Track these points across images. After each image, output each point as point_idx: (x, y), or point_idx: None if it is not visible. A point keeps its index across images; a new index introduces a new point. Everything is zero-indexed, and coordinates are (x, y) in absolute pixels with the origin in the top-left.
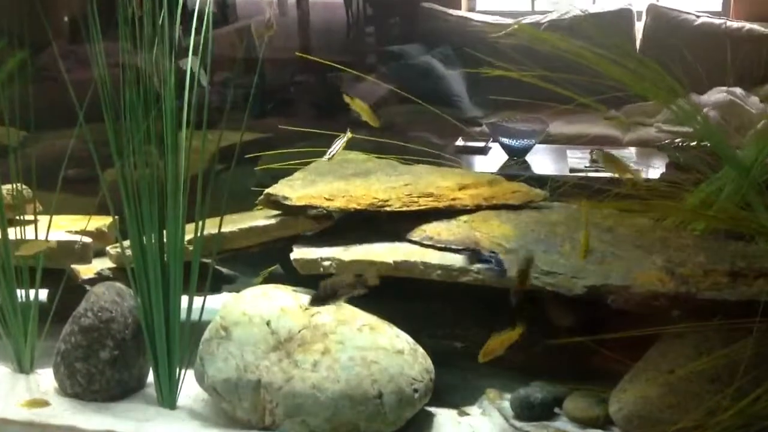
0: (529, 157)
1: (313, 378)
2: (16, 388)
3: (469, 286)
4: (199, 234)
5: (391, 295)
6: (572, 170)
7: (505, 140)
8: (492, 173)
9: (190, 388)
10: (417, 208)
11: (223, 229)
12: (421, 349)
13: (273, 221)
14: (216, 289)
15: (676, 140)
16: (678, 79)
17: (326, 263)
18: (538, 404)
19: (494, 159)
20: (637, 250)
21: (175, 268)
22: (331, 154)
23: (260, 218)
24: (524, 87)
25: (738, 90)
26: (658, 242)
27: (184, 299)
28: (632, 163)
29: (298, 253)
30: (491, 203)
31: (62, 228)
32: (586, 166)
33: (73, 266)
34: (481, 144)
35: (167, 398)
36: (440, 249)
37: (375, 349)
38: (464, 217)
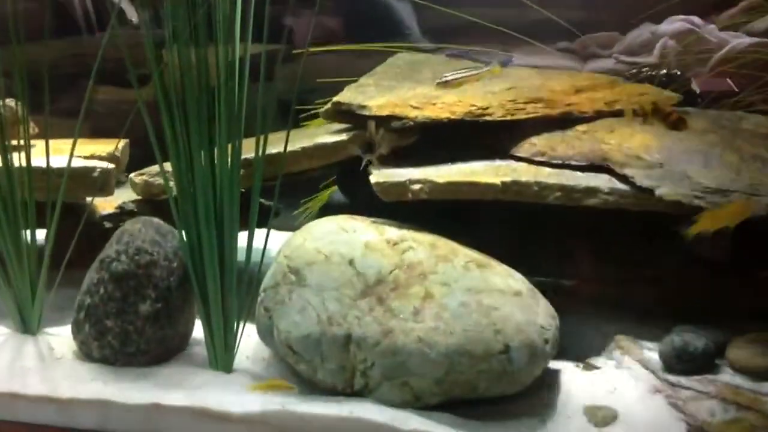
0: None
1: (417, 330)
2: (23, 353)
3: (579, 210)
4: (260, 152)
5: (470, 222)
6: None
7: None
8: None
9: (245, 346)
10: (524, 116)
11: (281, 149)
12: (537, 290)
13: (344, 137)
14: (263, 223)
15: (643, 69)
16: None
17: (416, 186)
18: (699, 354)
19: None
20: None
21: (231, 197)
22: (447, 79)
23: (323, 135)
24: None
25: (696, 18)
26: None
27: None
28: None
29: (380, 175)
30: (614, 108)
31: (64, 153)
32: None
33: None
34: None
35: (222, 359)
36: (556, 166)
37: (489, 291)
38: (582, 127)
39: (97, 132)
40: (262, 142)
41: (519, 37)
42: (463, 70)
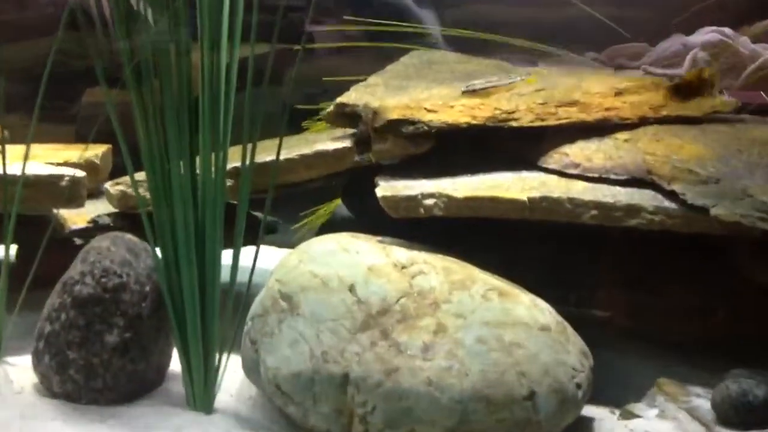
0: None
1: (427, 370)
2: None
3: (618, 231)
4: (247, 161)
5: (492, 241)
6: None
7: None
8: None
9: (229, 381)
10: (556, 122)
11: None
12: (567, 323)
13: (348, 143)
14: (254, 241)
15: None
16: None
17: (429, 202)
18: (760, 404)
19: None
20: None
21: (214, 211)
22: (476, 88)
23: (325, 141)
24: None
25: (727, 30)
26: None
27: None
28: None
29: (387, 188)
30: (660, 114)
31: (38, 159)
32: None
33: (57, 212)
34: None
35: (201, 398)
36: (592, 180)
37: (512, 324)
38: (623, 134)
39: (83, 137)
40: (249, 150)
41: (542, 48)
42: (494, 78)
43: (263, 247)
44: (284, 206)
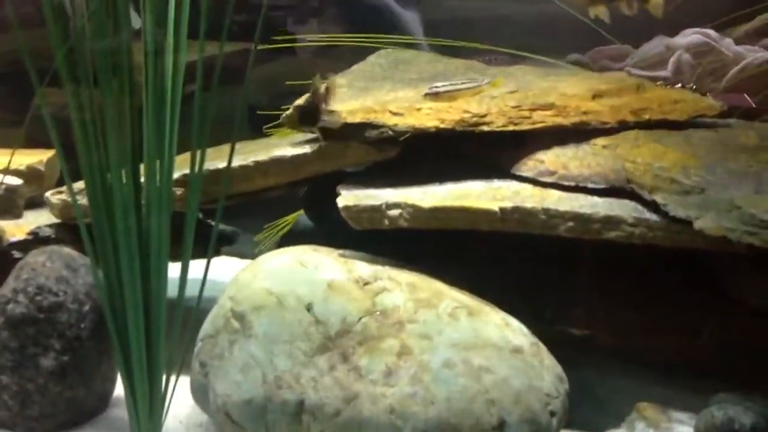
0: None
1: (390, 396)
2: None
3: (596, 243)
4: (196, 168)
5: (463, 253)
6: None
7: None
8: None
9: (178, 406)
10: (530, 126)
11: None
12: (541, 344)
13: (307, 149)
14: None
15: (658, 83)
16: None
17: (394, 212)
18: None
19: None
20: None
21: (160, 222)
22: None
23: (284, 146)
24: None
25: (711, 31)
26: None
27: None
28: None
29: (349, 197)
30: (642, 119)
31: None
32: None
33: None
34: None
35: (146, 426)
36: (568, 189)
37: (481, 346)
38: (602, 140)
39: (37, 142)
40: (198, 156)
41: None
42: (458, 81)
43: (225, 259)
44: (252, 215)
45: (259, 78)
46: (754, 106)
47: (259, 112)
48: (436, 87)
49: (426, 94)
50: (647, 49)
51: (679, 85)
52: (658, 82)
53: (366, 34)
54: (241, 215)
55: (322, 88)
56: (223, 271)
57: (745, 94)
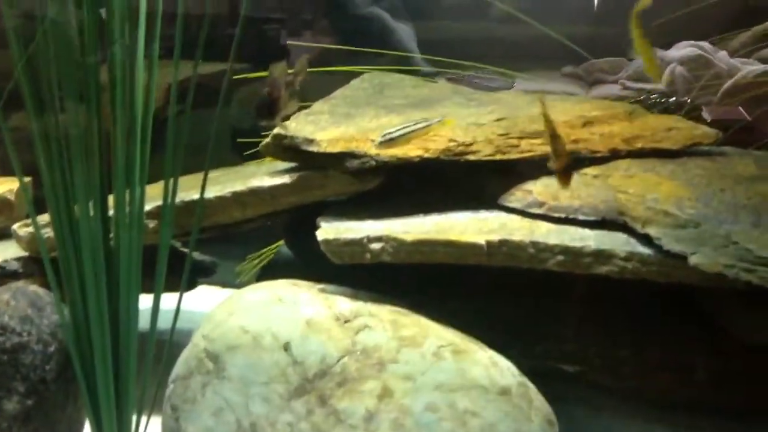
0: None
1: None
2: None
3: (595, 278)
4: (168, 200)
5: (450, 288)
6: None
7: None
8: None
9: None
10: (518, 155)
11: (206, 194)
12: (530, 383)
13: (286, 179)
14: (188, 285)
15: (652, 96)
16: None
17: (376, 246)
18: None
19: None
20: None
21: (130, 257)
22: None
23: (262, 176)
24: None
25: (706, 44)
26: None
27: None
28: None
29: (329, 230)
30: (634, 147)
31: None
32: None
33: None
34: None
35: None
36: (558, 221)
37: (468, 388)
38: (593, 170)
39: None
40: (171, 186)
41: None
42: (410, 123)
43: (206, 289)
44: (237, 242)
45: (247, 98)
46: (749, 119)
47: (239, 140)
48: (390, 133)
49: (380, 143)
50: (641, 61)
51: (673, 98)
52: (653, 96)
53: (360, 49)
54: (227, 242)
55: (283, 75)
56: (203, 302)
57: (740, 108)
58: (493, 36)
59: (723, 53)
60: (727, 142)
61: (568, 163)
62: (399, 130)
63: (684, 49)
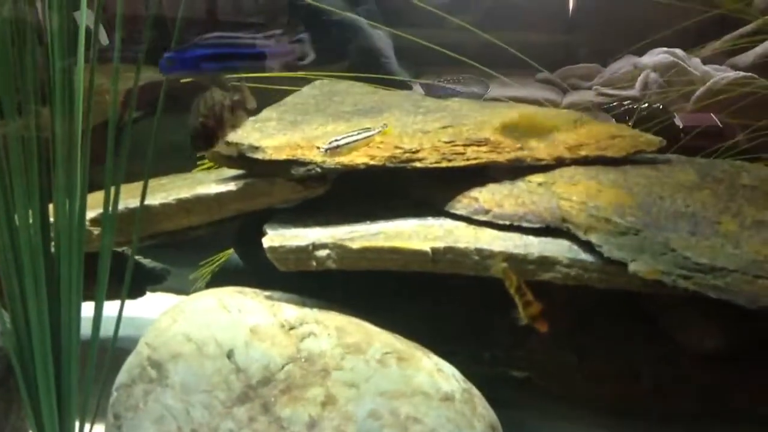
0: None
1: None
2: None
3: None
4: (110, 208)
5: (400, 294)
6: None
7: None
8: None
9: None
10: (464, 163)
11: (150, 201)
12: (475, 389)
13: (232, 186)
14: (135, 293)
15: (625, 103)
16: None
17: (321, 253)
18: None
19: None
20: None
21: (71, 265)
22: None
23: (209, 183)
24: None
25: (679, 51)
26: None
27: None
28: None
29: (275, 237)
30: (578, 155)
31: None
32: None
33: None
34: None
35: None
36: (502, 228)
37: (411, 395)
38: (538, 177)
39: None
40: (113, 194)
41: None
42: (354, 132)
43: (160, 296)
44: (193, 248)
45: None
46: (720, 125)
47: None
48: (336, 141)
49: (326, 150)
50: (615, 68)
51: (646, 104)
52: (626, 102)
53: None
54: (181, 249)
55: (226, 99)
56: (155, 309)
57: (712, 114)
58: (469, 42)
59: (696, 60)
60: (693, 146)
61: (541, 310)
62: (344, 138)
63: (657, 55)
